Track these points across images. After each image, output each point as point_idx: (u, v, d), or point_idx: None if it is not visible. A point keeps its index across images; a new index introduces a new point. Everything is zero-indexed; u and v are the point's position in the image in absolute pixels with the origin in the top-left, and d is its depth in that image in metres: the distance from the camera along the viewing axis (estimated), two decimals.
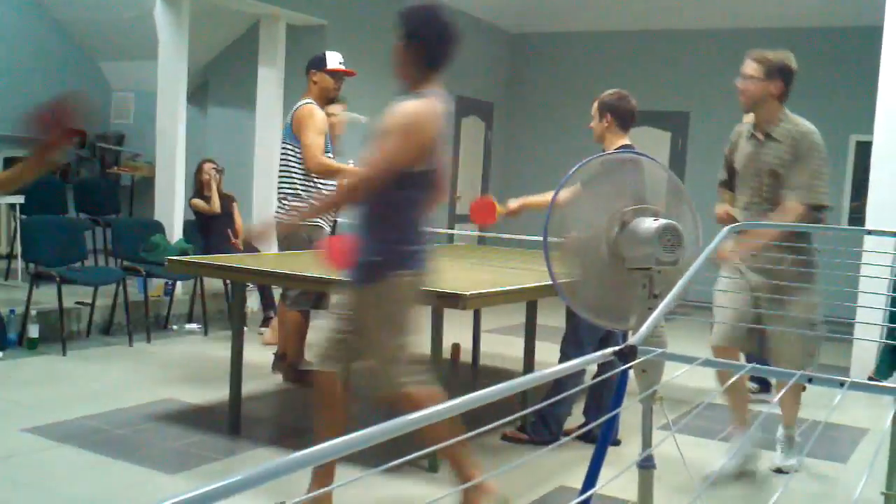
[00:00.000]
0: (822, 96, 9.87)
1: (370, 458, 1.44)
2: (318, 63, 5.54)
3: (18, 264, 7.32)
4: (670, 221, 2.41)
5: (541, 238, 2.62)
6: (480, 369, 6.50)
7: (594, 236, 2.59)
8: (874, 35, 6.76)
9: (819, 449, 4.68)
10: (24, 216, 7.32)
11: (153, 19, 7.95)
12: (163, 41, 7.74)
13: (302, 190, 5.42)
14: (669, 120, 10.55)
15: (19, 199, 7.50)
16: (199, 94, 9.91)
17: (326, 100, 5.56)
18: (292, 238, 5.41)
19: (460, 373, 6.44)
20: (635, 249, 2.44)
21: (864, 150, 9.71)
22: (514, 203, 4.74)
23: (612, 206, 2.53)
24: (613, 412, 1.82)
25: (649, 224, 2.42)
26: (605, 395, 4.54)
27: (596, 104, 4.50)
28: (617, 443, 4.47)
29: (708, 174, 10.64)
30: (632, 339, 1.52)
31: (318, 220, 5.44)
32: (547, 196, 4.64)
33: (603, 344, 4.46)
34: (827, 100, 9.84)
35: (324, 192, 5.44)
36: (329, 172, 5.37)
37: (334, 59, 5.55)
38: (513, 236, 6.84)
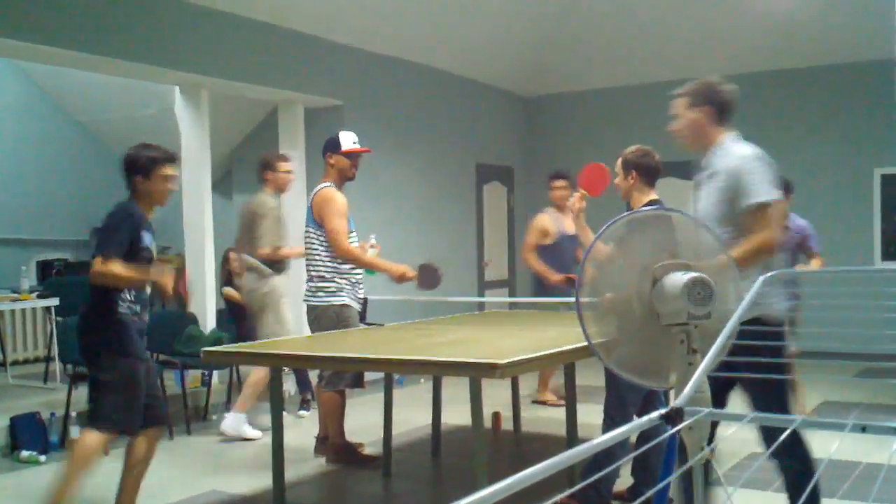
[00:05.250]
0: (843, 132, 9.87)
1: None
2: (333, 146, 5.60)
3: (56, 367, 7.37)
4: (699, 274, 2.39)
5: (570, 300, 2.61)
6: (523, 436, 6.41)
7: (628, 294, 2.57)
8: (888, 68, 6.76)
9: (885, 493, 4.54)
10: (59, 318, 7.40)
11: (174, 114, 8.12)
12: (185, 135, 7.89)
13: (326, 272, 5.45)
14: (691, 168, 10.52)
15: (54, 302, 7.59)
16: (223, 182, 10.06)
17: (345, 180, 5.62)
18: (322, 319, 5.44)
19: (503, 441, 6.36)
20: (667, 305, 2.42)
21: (889, 182, 9.66)
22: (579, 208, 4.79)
23: (643, 263, 2.52)
24: (667, 480, 1.78)
25: (678, 279, 2.40)
26: (652, 454, 4.46)
27: (620, 161, 4.51)
28: (669, 501, 4.37)
29: None
30: (677, 401, 1.50)
31: (346, 297, 5.46)
32: (588, 231, 4.68)
33: (646, 402, 4.40)
34: (849, 135, 9.83)
35: (350, 274, 5.49)
36: (353, 259, 5.43)
37: (348, 140, 5.60)
38: (543, 300, 6.83)
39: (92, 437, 4.19)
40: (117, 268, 4.04)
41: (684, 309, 2.36)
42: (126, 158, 4.33)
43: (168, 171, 4.34)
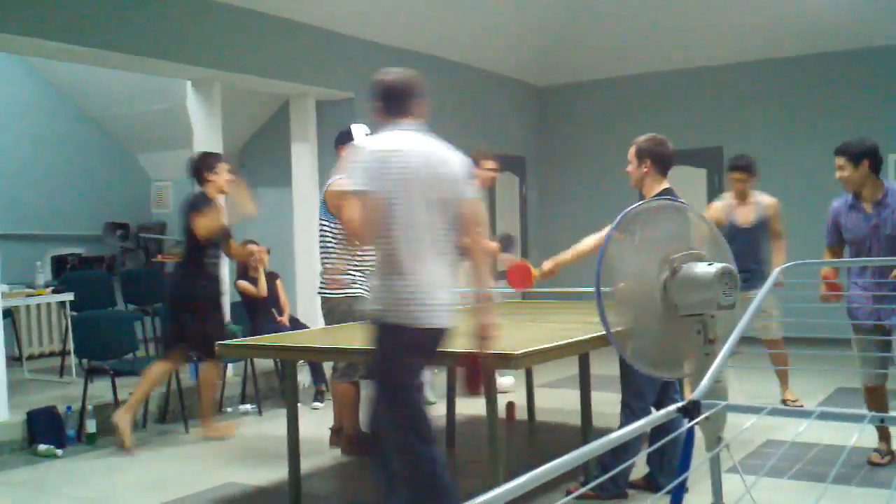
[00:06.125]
0: (858, 118, 9.80)
1: None
2: (345, 138, 5.60)
3: (72, 360, 7.41)
4: (726, 265, 2.38)
5: (584, 289, 2.60)
6: (538, 426, 6.42)
7: (645, 284, 2.55)
8: None
9: None
10: (74, 313, 7.43)
11: (185, 109, 8.12)
12: (197, 129, 7.90)
13: (339, 264, 5.45)
14: (703, 156, 10.49)
15: (69, 297, 7.62)
16: (236, 176, 10.06)
17: None
18: (335, 311, 5.45)
19: (518, 431, 6.37)
20: (691, 295, 2.40)
21: None
22: (547, 264, 4.81)
23: (660, 253, 2.51)
24: (684, 474, 1.77)
25: (706, 268, 2.38)
26: (667, 443, 4.45)
27: (633, 149, 4.47)
28: (685, 490, 4.36)
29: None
30: (695, 394, 1.49)
31: (360, 289, 5.46)
32: (576, 248, 4.70)
33: (663, 390, 4.40)
34: (863, 121, 9.75)
35: (364, 266, 5.49)
36: None
37: (360, 132, 5.60)
38: (554, 289, 6.81)
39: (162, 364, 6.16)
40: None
41: (714, 298, 2.34)
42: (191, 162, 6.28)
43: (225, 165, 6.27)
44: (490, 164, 6.77)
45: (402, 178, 3.43)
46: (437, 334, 3.50)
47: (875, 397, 4.95)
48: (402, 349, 3.47)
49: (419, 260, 3.43)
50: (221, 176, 6.19)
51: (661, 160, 4.41)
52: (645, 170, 4.40)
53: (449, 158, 3.58)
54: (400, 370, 3.49)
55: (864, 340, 4.78)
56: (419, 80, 3.71)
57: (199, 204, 6.06)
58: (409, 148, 3.50)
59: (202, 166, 6.20)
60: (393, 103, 3.63)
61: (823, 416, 1.34)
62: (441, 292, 3.47)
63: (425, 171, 3.47)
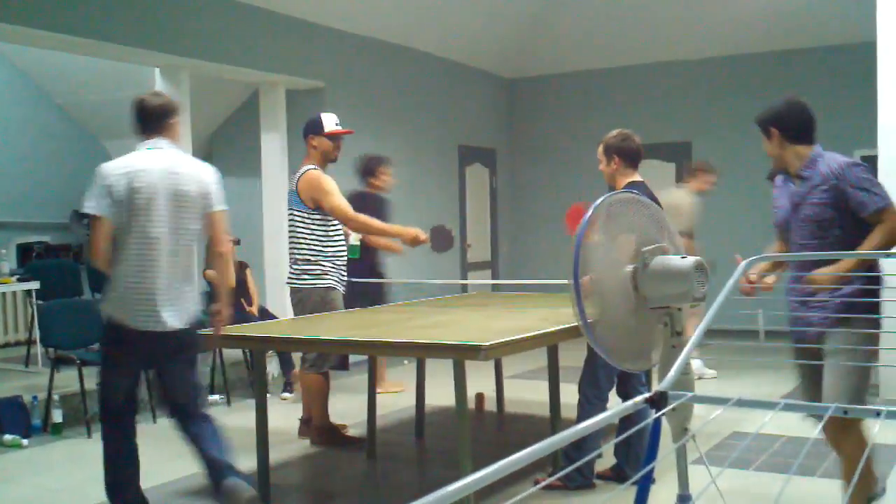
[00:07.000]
0: (823, 114, 9.87)
1: None
2: (315, 127, 5.55)
3: (38, 350, 7.34)
4: (699, 258, 2.41)
5: (553, 281, 2.60)
6: (506, 416, 6.45)
7: (613, 276, 2.57)
8: (869, 50, 6.80)
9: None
10: (40, 301, 7.35)
11: None
12: None
13: (311, 255, 5.43)
14: (672, 150, 10.57)
15: (35, 285, 7.54)
16: None
17: (328, 162, 5.58)
18: (306, 302, 5.43)
19: (487, 422, 6.40)
20: (665, 287, 2.42)
21: (869, 164, 9.71)
22: None
23: (628, 245, 2.52)
24: (651, 464, 1.79)
25: (681, 261, 2.40)
26: (634, 434, 4.49)
27: (601, 148, 4.53)
28: (652, 481, 4.40)
29: (715, 202, 10.67)
30: (661, 385, 1.51)
31: (331, 280, 5.45)
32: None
33: (620, 381, 4.46)
34: (828, 117, 9.83)
35: (335, 257, 5.48)
36: (367, 226, 5.55)
37: (330, 122, 5.56)
38: (524, 281, 6.84)
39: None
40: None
41: (690, 291, 2.37)
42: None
43: None
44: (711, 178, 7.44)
45: (140, 194, 3.73)
46: (155, 337, 3.82)
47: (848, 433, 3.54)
48: (117, 345, 3.89)
49: (150, 269, 3.76)
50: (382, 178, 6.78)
51: (627, 154, 4.48)
52: (614, 166, 4.48)
53: (194, 173, 3.90)
54: (109, 361, 3.97)
55: (802, 364, 3.74)
56: (173, 103, 4.06)
57: None
58: (150, 166, 3.79)
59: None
60: (145, 123, 3.91)
61: (788, 408, 1.36)
62: (169, 296, 3.81)
63: (165, 186, 3.78)
